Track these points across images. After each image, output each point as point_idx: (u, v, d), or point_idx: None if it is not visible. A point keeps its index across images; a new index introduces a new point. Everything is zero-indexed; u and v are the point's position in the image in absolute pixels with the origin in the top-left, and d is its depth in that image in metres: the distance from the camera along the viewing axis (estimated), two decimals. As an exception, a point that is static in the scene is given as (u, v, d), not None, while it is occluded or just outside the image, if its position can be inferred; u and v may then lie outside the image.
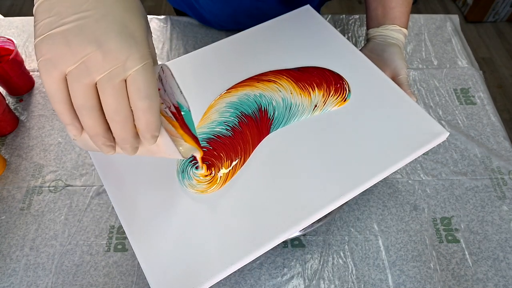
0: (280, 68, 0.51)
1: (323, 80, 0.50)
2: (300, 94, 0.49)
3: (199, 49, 0.54)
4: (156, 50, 0.73)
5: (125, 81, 0.27)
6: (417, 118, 0.45)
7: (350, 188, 0.40)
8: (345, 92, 0.48)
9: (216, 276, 0.36)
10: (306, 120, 0.46)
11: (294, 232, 0.39)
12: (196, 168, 0.42)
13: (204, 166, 0.42)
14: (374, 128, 0.45)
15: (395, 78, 0.54)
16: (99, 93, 0.27)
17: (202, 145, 0.44)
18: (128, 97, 0.28)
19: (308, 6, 0.58)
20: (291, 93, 0.49)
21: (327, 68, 0.51)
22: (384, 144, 0.43)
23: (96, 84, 0.27)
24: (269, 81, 0.50)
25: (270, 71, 0.51)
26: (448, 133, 0.43)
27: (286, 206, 0.40)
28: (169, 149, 0.33)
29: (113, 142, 0.30)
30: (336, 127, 0.45)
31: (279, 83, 0.50)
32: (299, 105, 0.48)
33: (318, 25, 0.56)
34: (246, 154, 0.44)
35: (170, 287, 0.35)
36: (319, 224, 0.50)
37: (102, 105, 0.27)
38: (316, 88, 0.49)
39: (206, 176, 0.42)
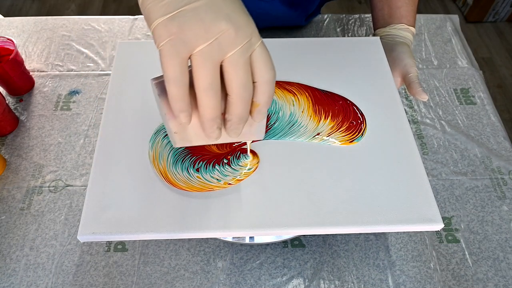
0: (311, 84, 0.50)
1: (342, 112, 0.47)
2: (311, 116, 0.47)
3: None
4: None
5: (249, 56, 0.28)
6: (421, 195, 0.40)
7: (311, 225, 0.38)
8: (357, 134, 0.45)
9: (143, 234, 0.38)
10: (302, 143, 0.44)
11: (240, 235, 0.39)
12: (241, 156, 0.43)
13: (251, 155, 0.43)
14: (367, 181, 0.41)
15: (405, 76, 0.54)
16: (228, 70, 0.27)
17: None
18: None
19: (377, 38, 0.55)
20: (302, 112, 0.47)
21: (356, 104, 0.48)
22: (370, 202, 0.40)
23: (222, 62, 0.27)
24: (289, 91, 0.49)
25: (297, 83, 0.50)
26: (443, 225, 0.38)
27: (247, 209, 0.39)
28: (259, 129, 0.33)
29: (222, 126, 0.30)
30: (329, 162, 0.43)
31: (297, 97, 0.48)
32: (302, 126, 0.46)
33: (375, 59, 0.53)
34: (232, 149, 0.44)
35: (97, 224, 0.38)
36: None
37: (230, 82, 0.27)
38: (329, 117, 0.47)
39: (251, 163, 0.43)
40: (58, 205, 0.55)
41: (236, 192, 0.40)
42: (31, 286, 0.49)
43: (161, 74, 0.31)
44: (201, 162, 0.43)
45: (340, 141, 0.45)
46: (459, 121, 0.64)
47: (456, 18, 0.80)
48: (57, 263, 0.50)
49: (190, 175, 0.42)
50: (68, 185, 0.57)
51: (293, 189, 0.41)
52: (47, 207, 0.55)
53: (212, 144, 0.44)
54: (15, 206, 0.55)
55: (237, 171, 0.42)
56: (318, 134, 0.45)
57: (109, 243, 0.52)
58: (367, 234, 0.53)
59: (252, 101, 0.29)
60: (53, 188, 0.56)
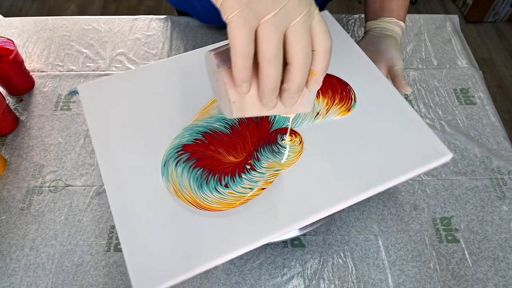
0: None
1: (329, 87, 0.48)
2: None
3: (200, 48, 0.54)
4: (156, 50, 0.73)
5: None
6: (423, 135, 0.43)
7: (345, 198, 0.39)
8: (350, 101, 0.47)
9: (197, 269, 0.35)
10: (307, 126, 0.45)
11: (288, 233, 0.38)
12: (282, 139, 0.44)
13: (288, 135, 0.44)
14: (376, 141, 0.43)
15: (390, 69, 0.54)
16: (291, 39, 0.27)
17: (197, 137, 0.44)
18: None
19: (326, 12, 0.56)
20: None
21: (335, 75, 0.49)
22: (385, 158, 0.42)
23: (285, 31, 0.27)
24: None
25: None
26: (452, 155, 0.41)
27: (283, 204, 0.39)
28: (310, 100, 0.33)
29: None
30: (338, 136, 0.44)
31: None
32: None
33: (333, 31, 0.54)
34: (248, 152, 0.43)
35: (147, 278, 0.35)
36: (319, 224, 0.50)
37: (292, 50, 0.28)
38: (320, 95, 0.48)
39: (291, 141, 0.43)
40: (58, 205, 0.55)
41: (257, 197, 0.40)
42: (31, 286, 0.49)
43: (216, 46, 0.32)
44: (226, 176, 0.41)
45: (339, 114, 0.46)
46: (459, 121, 0.64)
47: (456, 18, 0.80)
48: (57, 263, 0.50)
49: (220, 193, 0.39)
50: (68, 185, 0.57)
51: (309, 172, 0.41)
52: (47, 207, 0.55)
53: (227, 155, 0.43)
54: (15, 206, 0.55)
55: (264, 173, 0.41)
56: (318, 113, 0.46)
57: (109, 243, 0.52)
58: (366, 234, 0.53)
59: (310, 70, 0.30)
60: (53, 188, 0.56)
